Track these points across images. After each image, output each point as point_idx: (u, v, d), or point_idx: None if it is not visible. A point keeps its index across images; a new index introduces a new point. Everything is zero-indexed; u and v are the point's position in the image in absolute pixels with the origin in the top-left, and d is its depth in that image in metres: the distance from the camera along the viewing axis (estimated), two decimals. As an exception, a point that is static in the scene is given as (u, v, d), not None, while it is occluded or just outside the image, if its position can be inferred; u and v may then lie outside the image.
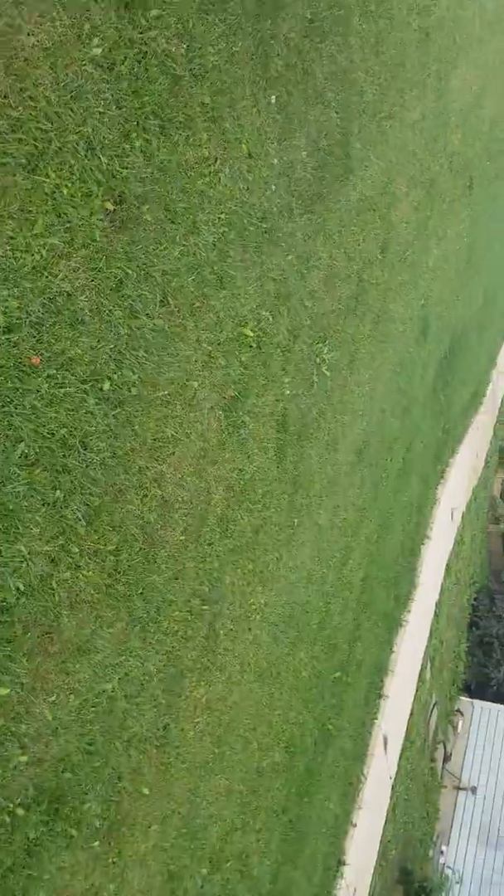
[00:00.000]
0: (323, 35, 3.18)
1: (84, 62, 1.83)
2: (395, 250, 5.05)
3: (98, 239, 1.99)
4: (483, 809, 8.52)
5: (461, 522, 9.05)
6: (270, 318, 3.25)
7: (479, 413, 10.06)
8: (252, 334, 3.08)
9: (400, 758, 6.83)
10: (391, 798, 6.61)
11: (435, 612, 8.04)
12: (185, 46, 2.23)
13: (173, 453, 2.58)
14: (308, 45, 3.05)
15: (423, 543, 7.27)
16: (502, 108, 8.74)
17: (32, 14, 1.66)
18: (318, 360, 3.97)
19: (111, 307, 2.10)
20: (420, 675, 7.55)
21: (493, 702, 9.45)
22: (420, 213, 5.61)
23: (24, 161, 1.73)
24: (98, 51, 1.84)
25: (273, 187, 3.03)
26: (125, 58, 1.96)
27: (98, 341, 2.08)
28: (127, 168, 2.04)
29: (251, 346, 3.10)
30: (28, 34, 1.67)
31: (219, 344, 2.81)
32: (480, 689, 9.74)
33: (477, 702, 9.41)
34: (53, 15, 1.73)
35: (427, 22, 4.68)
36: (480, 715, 9.30)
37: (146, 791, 2.65)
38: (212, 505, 2.92)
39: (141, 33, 2.01)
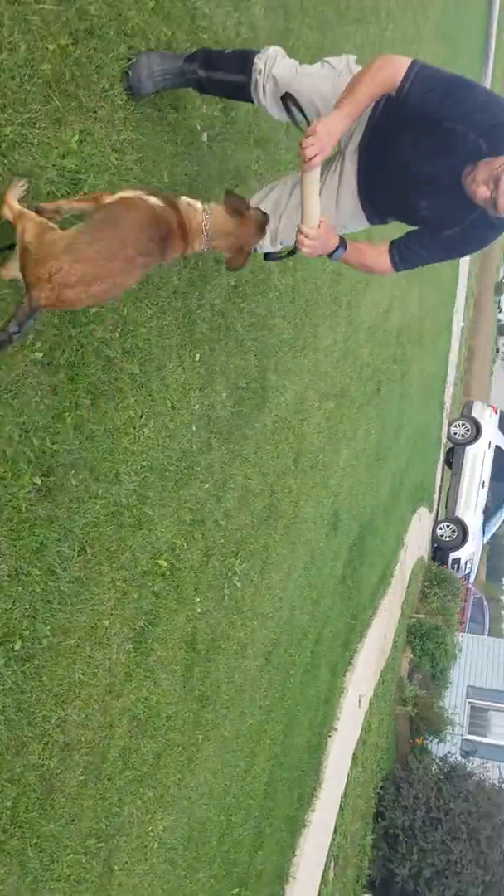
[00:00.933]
0: (244, 297, 3.56)
1: (26, 364, 2.03)
2: (307, 458, 5.37)
3: (24, 511, 2.13)
4: None
5: (368, 708, 9.04)
6: (185, 545, 3.40)
7: (386, 594, 10.31)
8: (166, 564, 3.22)
9: None
10: None
11: (340, 805, 7.85)
12: (119, 331, 2.49)
13: (79, 695, 2.62)
14: (231, 306, 3.41)
15: (329, 736, 7.22)
16: (407, 318, 9.62)
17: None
18: (229, 573, 4.11)
19: (29, 569, 2.20)
20: (323, 877, 7.28)
21: (398, 902, 9.11)
22: (331, 421, 6.02)
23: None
24: (39, 354, 2.06)
25: (194, 428, 3.27)
26: (63, 352, 2.19)
27: (13, 603, 2.16)
28: (57, 443, 2.22)
29: (164, 575, 3.23)
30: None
31: (133, 579, 2.93)
32: (385, 886, 9.39)
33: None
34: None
35: (339, 266, 5.24)
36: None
37: None
38: (114, 739, 2.93)
39: (79, 330, 2.25)
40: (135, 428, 2.73)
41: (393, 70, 2.19)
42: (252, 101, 2.55)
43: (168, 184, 2.68)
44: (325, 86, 2.44)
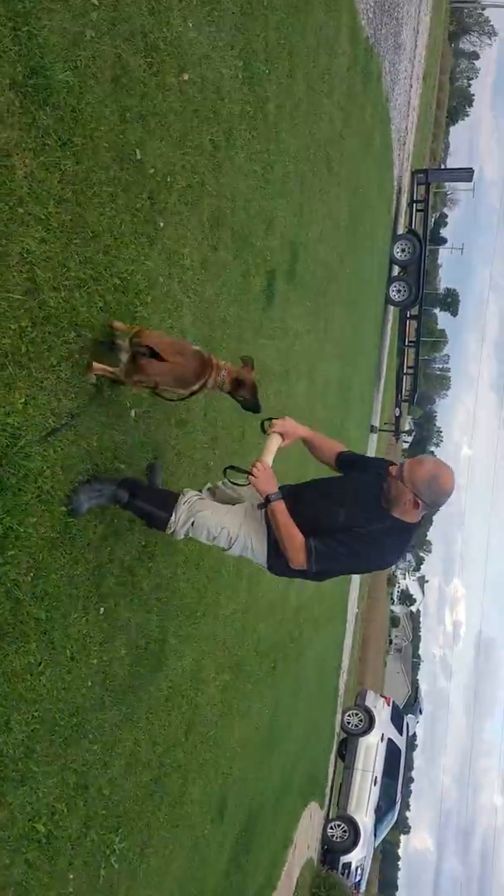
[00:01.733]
0: (153, 557, 3.75)
1: None
2: (199, 731, 5.24)
3: None
4: None
5: None
6: (65, 811, 3.21)
7: (272, 901, 9.42)
8: (43, 829, 3.02)
9: None
10: None
11: None
12: (31, 574, 2.61)
13: None
14: (139, 565, 3.59)
15: None
16: (304, 598, 9.94)
17: None
18: (107, 850, 3.82)
19: None
20: None
21: None
22: (226, 693, 5.96)
23: None
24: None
25: (89, 683, 3.26)
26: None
27: None
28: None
29: (39, 842, 3.01)
30: None
31: (6, 842, 2.74)
32: None
33: None
34: None
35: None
36: None
37: None
38: None
39: (-3, 571, 2.37)
40: (32, 675, 2.73)
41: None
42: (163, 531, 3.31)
43: (97, 448, 2.98)
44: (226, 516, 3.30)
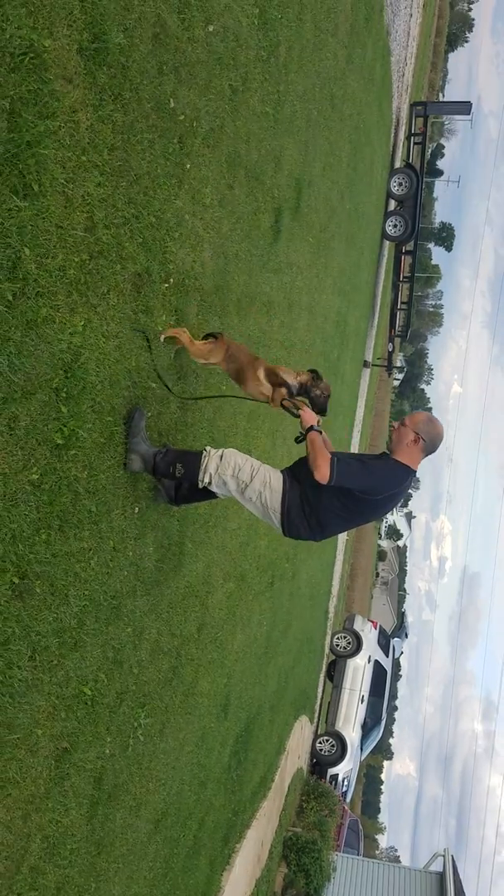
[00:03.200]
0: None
1: (23, 483, 2.58)
2: (208, 631, 5.82)
3: (1, 603, 2.57)
4: None
5: (243, 918, 8.71)
6: (105, 681, 3.76)
7: (266, 798, 10.26)
8: (90, 693, 3.56)
9: None
10: None
11: None
12: (86, 472, 3.08)
13: (10, 795, 2.88)
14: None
15: (205, 937, 6.98)
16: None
17: None
18: (135, 724, 4.40)
19: (-6, 658, 2.60)
20: None
21: None
22: (231, 601, 6.54)
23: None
24: (35, 476, 2.62)
25: (125, 573, 3.77)
26: (49, 479, 2.75)
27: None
28: (32, 553, 2.71)
29: (87, 704, 3.56)
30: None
31: (63, 698, 3.28)
32: None
33: None
34: (9, 450, 2.51)
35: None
36: None
37: None
38: (28, 853, 3.11)
39: (62, 465, 2.84)
40: (85, 558, 3.23)
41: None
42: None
43: (135, 367, 3.42)
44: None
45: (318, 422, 3.88)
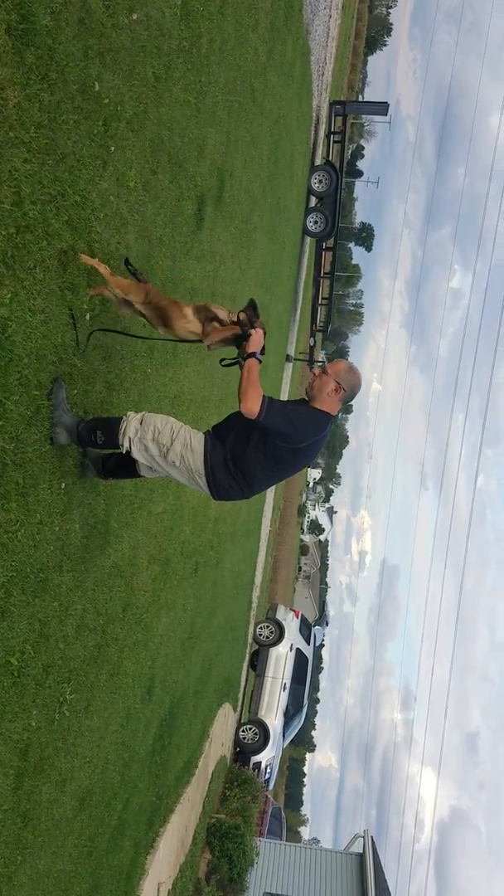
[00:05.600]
0: (103, 446, 4.32)
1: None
2: (133, 612, 5.91)
3: None
4: None
5: (167, 899, 8.83)
6: (32, 653, 3.82)
7: (190, 784, 10.38)
8: (16, 663, 3.62)
9: None
10: None
11: None
12: (14, 445, 3.15)
13: None
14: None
15: (128, 918, 7.06)
16: (223, 509, 10.65)
17: None
18: (61, 699, 4.46)
19: None
20: None
21: None
22: (156, 584, 6.64)
23: None
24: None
25: (52, 548, 3.84)
26: (-22, 448, 2.82)
27: None
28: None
29: (13, 675, 3.62)
30: None
31: (-9, 667, 3.33)
32: None
33: None
34: None
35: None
36: None
37: None
38: (-43, 820, 3.17)
39: (-9, 434, 2.91)
40: (12, 530, 3.29)
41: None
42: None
43: (60, 343, 3.50)
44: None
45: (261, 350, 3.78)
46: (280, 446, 3.85)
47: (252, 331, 3.77)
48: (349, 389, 3.90)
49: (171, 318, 3.76)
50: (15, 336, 3.00)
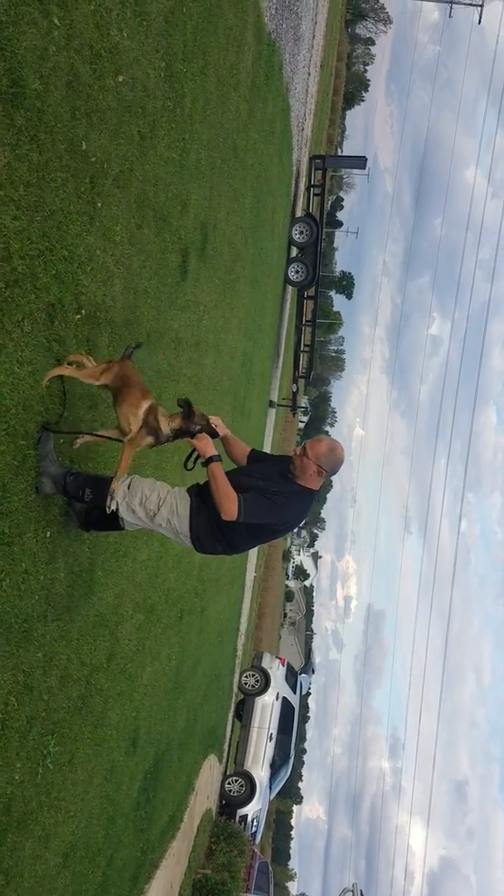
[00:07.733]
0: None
1: None
2: (118, 662, 5.86)
3: None
4: None
5: None
6: (16, 704, 3.79)
7: (175, 839, 10.16)
8: (0, 716, 3.59)
9: None
10: None
11: None
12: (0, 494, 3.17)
13: None
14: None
15: None
16: (209, 557, 10.62)
17: None
18: (45, 751, 4.41)
19: None
20: None
21: None
22: (140, 632, 6.60)
23: None
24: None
25: (36, 597, 3.83)
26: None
27: None
28: None
29: (-3, 728, 3.58)
30: None
31: (-26, 720, 3.30)
32: None
33: None
34: None
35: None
36: None
37: None
38: None
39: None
40: (-4, 582, 3.30)
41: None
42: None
43: (47, 393, 3.55)
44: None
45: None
46: (264, 526, 4.03)
47: (195, 441, 3.87)
48: (330, 470, 4.03)
49: (125, 398, 3.72)
50: (3, 387, 3.05)
